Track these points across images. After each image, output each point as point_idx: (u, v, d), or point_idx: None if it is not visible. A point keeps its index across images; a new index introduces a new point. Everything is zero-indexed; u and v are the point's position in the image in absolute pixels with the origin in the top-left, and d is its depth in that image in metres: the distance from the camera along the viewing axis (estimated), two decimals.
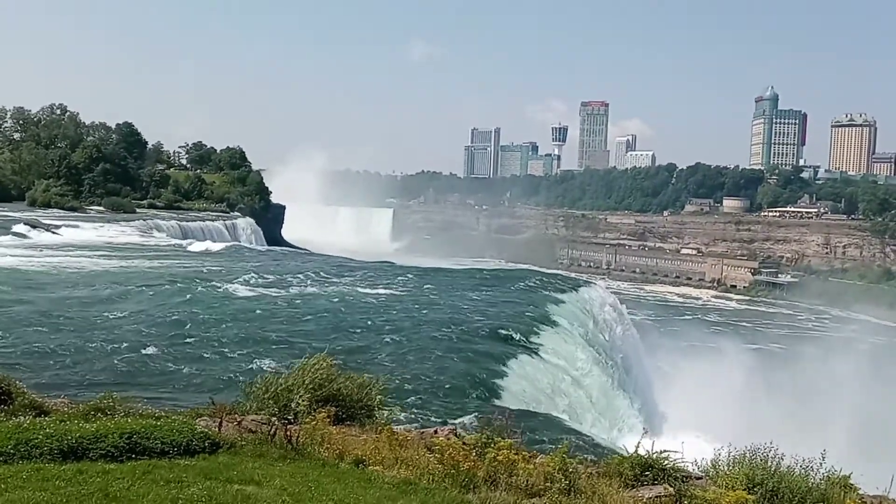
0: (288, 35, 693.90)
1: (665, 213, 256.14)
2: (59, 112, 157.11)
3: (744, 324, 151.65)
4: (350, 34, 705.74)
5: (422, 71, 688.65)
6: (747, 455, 11.49)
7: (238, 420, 12.62)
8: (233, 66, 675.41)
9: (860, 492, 11.83)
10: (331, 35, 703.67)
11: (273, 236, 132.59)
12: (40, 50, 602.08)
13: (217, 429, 11.83)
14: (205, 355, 29.87)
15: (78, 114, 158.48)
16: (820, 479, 11.21)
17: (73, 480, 8.96)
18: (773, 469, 11.08)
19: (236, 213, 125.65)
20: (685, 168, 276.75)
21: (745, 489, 10.57)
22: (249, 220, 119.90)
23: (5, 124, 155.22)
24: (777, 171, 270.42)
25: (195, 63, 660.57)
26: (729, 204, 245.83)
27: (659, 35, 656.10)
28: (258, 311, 39.62)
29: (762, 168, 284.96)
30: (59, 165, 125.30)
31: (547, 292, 53.10)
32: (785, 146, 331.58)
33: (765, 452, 11.38)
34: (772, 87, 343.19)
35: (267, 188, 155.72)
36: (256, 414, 13.02)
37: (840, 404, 69.19)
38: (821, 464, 11.34)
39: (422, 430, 14.64)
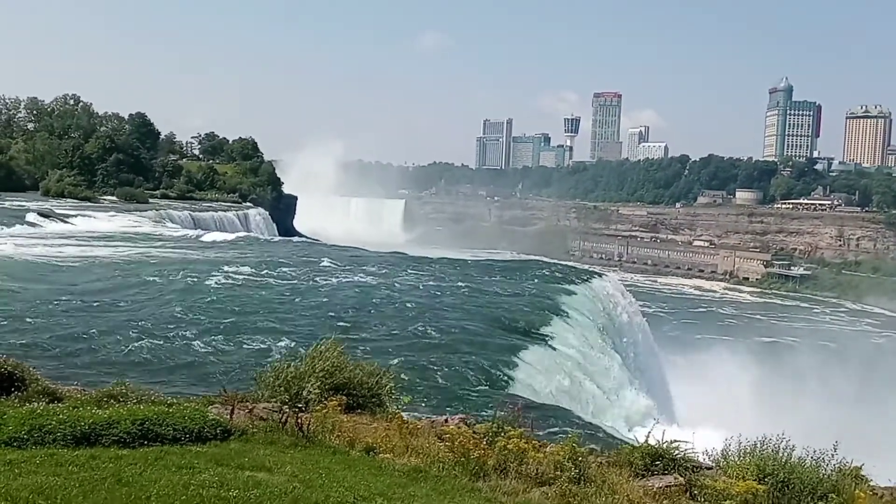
0: (297, 25, 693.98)
1: (677, 204, 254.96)
2: (72, 102, 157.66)
3: (758, 316, 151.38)
4: (361, 24, 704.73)
5: (433, 62, 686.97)
6: (758, 446, 11.44)
7: (249, 408, 12.65)
8: (244, 57, 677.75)
9: (871, 483, 11.78)
10: (341, 25, 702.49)
11: (285, 227, 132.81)
12: (53, 41, 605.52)
13: (229, 416, 11.87)
14: (217, 344, 30.03)
15: (91, 104, 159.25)
16: (831, 471, 11.15)
17: (85, 466, 9.02)
18: (783, 460, 11.02)
19: (248, 204, 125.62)
20: (698, 160, 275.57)
21: (755, 479, 10.54)
22: (262, 210, 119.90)
23: (19, 114, 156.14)
24: (791, 162, 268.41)
25: (207, 54, 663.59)
26: (742, 196, 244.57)
27: (672, 26, 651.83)
28: (269, 300, 39.79)
29: (776, 160, 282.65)
30: (72, 156, 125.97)
31: (559, 283, 53.03)
32: (799, 138, 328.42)
33: (776, 443, 11.32)
34: (786, 78, 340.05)
35: (279, 179, 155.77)
36: (268, 402, 13.04)
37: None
38: (832, 455, 11.28)
39: (432, 419, 14.65)
